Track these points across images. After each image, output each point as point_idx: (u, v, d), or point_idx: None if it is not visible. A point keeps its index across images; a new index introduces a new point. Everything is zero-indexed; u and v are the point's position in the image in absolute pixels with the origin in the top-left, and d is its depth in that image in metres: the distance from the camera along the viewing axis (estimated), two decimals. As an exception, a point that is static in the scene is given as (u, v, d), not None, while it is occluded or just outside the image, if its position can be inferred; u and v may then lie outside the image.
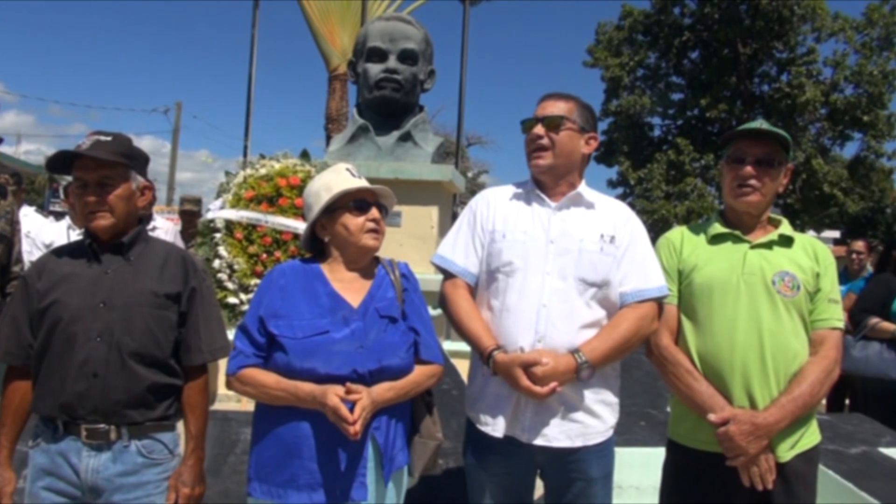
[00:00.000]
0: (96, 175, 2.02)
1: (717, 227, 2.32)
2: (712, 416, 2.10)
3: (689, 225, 2.47)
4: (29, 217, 5.17)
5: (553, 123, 2.24)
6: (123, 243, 2.09)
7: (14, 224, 3.98)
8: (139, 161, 2.15)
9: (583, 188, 2.30)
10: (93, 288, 2.02)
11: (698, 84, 22.90)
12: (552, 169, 2.26)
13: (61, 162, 2.05)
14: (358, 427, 1.82)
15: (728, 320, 2.18)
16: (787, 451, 2.14)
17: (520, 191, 2.33)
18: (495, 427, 2.15)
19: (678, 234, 2.42)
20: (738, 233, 2.29)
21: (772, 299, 2.17)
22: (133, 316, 2.01)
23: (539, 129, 2.24)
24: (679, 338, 2.29)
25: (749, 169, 2.23)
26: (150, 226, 5.30)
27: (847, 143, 22.34)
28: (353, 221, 2.06)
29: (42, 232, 5.02)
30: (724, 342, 2.17)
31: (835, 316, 2.23)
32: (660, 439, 2.65)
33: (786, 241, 2.28)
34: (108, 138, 2.06)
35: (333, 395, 1.85)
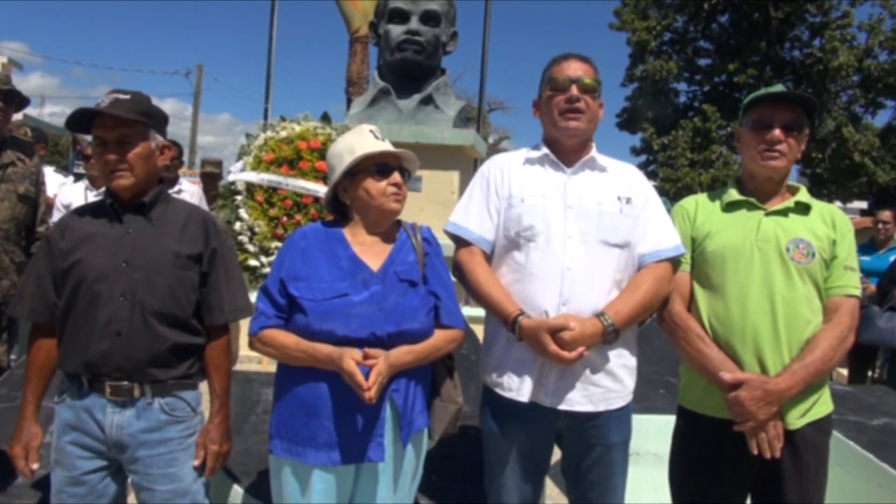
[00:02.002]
0: (115, 133, 2.02)
1: (733, 195, 2.30)
2: (726, 375, 2.09)
3: (706, 193, 2.44)
4: (48, 177, 5.22)
5: (590, 88, 2.21)
6: (144, 203, 2.10)
7: (39, 185, 4.03)
8: (158, 120, 2.14)
9: (595, 152, 2.28)
10: (115, 248, 2.04)
11: (727, 49, 22.32)
12: (584, 133, 2.24)
13: (81, 120, 2.05)
14: (373, 393, 1.83)
15: (740, 287, 2.16)
16: (798, 418, 2.13)
17: (532, 156, 2.30)
18: (520, 392, 2.15)
19: (692, 201, 2.40)
20: (753, 200, 2.26)
21: (785, 266, 2.15)
22: (155, 276, 2.03)
23: (576, 91, 2.20)
24: (691, 305, 2.28)
25: (778, 133, 2.18)
26: (176, 188, 5.33)
27: (879, 111, 21.76)
28: (375, 185, 2.05)
29: (61, 193, 5.08)
30: (735, 309, 2.16)
31: (850, 283, 2.20)
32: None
33: (803, 209, 2.25)
34: (127, 97, 2.05)
35: (350, 359, 1.86)
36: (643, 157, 23.36)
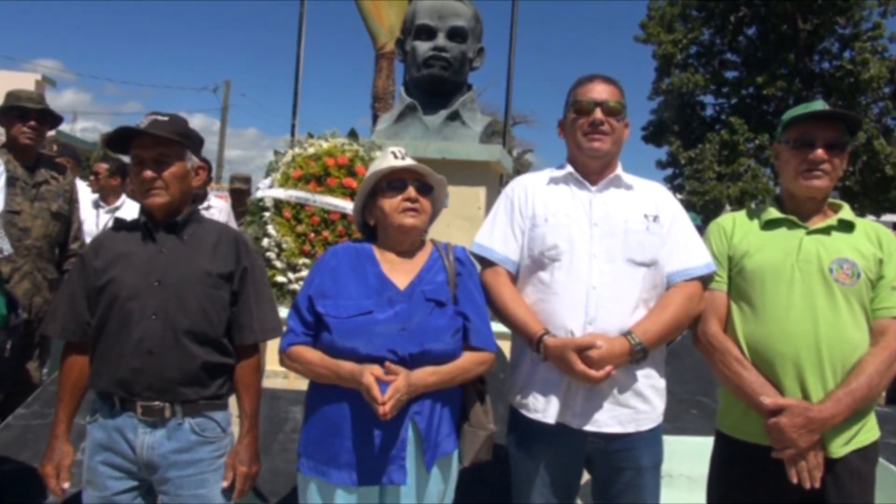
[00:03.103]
0: (153, 152, 2.06)
1: (772, 213, 2.24)
2: (766, 400, 2.04)
3: (743, 210, 2.40)
4: (81, 191, 5.32)
5: (614, 111, 2.20)
6: (177, 222, 2.12)
7: (73, 203, 4.09)
8: (194, 141, 2.17)
9: (620, 171, 2.27)
10: (148, 266, 2.06)
11: (754, 62, 22.10)
12: (607, 155, 2.23)
13: (119, 139, 2.09)
14: (387, 408, 1.82)
15: (781, 309, 2.10)
16: (842, 446, 2.06)
17: (556, 175, 2.30)
18: (546, 413, 2.11)
19: (730, 219, 2.35)
20: (793, 218, 2.20)
21: (828, 288, 2.08)
22: (187, 294, 2.04)
23: (600, 115, 2.19)
24: (728, 325, 2.22)
25: (821, 153, 2.13)
26: (205, 204, 5.39)
27: (912, 124, 21.36)
28: (388, 202, 2.07)
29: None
30: (775, 331, 2.10)
31: None
32: (711, 428, 2.58)
33: (846, 227, 2.18)
34: (166, 118, 2.10)
35: (369, 374, 1.85)
36: (669, 171, 23.18)
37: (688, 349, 4.00)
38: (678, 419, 3.42)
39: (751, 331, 2.15)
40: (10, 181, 3.52)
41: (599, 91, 2.21)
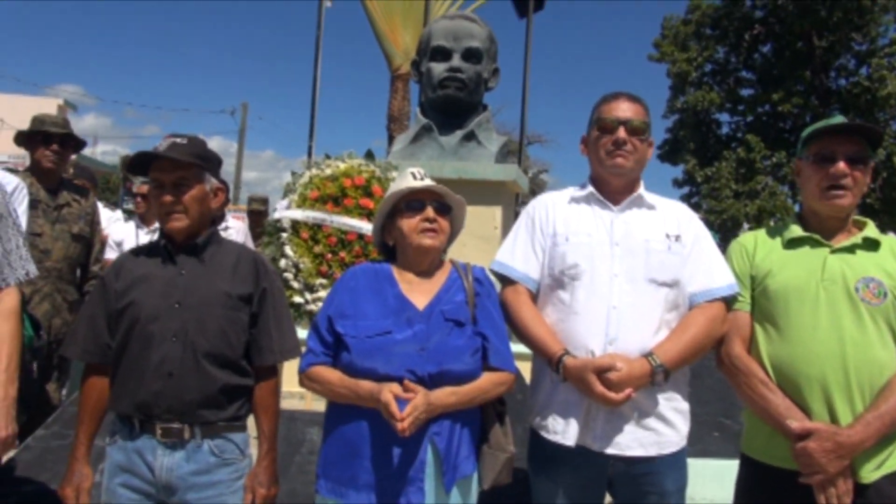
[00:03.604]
0: (172, 176, 2.07)
1: (795, 231, 2.21)
2: (794, 424, 1.99)
3: (764, 228, 2.37)
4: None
5: (638, 130, 2.20)
6: (197, 244, 2.13)
7: (94, 225, 4.14)
8: (213, 163, 2.19)
9: (642, 190, 2.25)
10: (168, 288, 2.06)
11: (770, 79, 22.06)
12: (629, 172, 2.21)
13: (139, 163, 2.11)
14: (406, 424, 1.80)
15: (806, 329, 2.06)
16: (872, 471, 2.00)
17: (578, 194, 2.29)
18: (566, 436, 2.08)
19: (751, 237, 2.32)
20: (817, 236, 2.17)
21: (855, 307, 2.04)
22: (206, 316, 2.04)
23: (623, 134, 2.18)
24: (751, 346, 2.19)
25: (842, 167, 2.09)
26: (223, 226, 5.43)
27: (931, 140, 21.12)
28: (407, 222, 2.08)
29: (113, 230, 5.23)
30: (801, 352, 2.05)
31: None
32: (734, 451, 2.54)
33: (871, 245, 2.14)
34: (184, 141, 2.11)
35: (388, 391, 1.85)
36: (686, 189, 23.12)
37: (708, 370, 3.95)
38: (700, 441, 3.36)
39: (776, 352, 2.11)
40: (33, 203, 3.57)
41: (624, 109, 2.20)
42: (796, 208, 2.35)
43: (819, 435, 1.96)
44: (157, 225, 5.26)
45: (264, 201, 7.65)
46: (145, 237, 5.16)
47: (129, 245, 4.80)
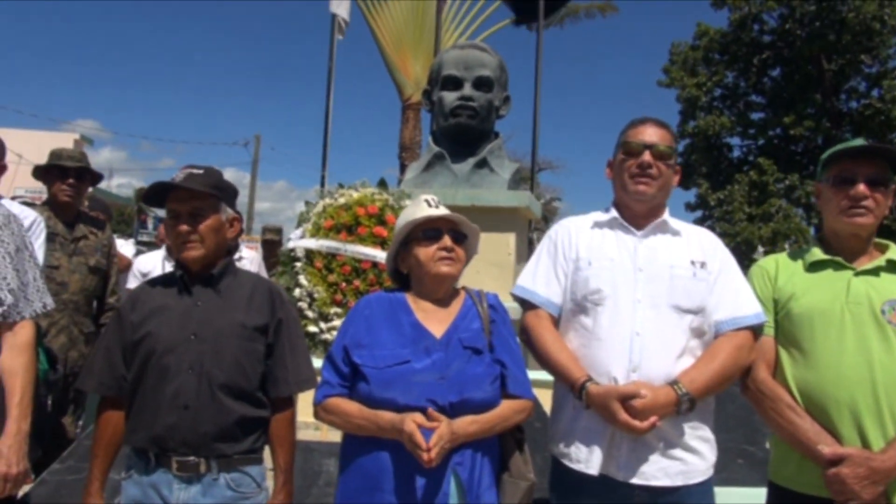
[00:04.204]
0: (188, 206, 2.08)
1: (817, 254, 2.18)
2: (826, 449, 1.95)
3: (785, 252, 2.35)
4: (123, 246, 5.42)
5: (664, 154, 2.18)
6: (213, 275, 2.12)
7: (110, 257, 4.17)
8: (229, 194, 2.20)
9: (667, 216, 2.23)
10: (184, 320, 2.06)
11: (780, 102, 22.12)
12: (653, 199, 2.19)
13: (156, 194, 2.12)
14: (433, 454, 1.78)
15: (833, 353, 2.03)
16: None
17: (601, 219, 2.27)
18: (589, 464, 2.04)
19: (772, 261, 2.29)
20: (839, 259, 2.14)
21: (882, 330, 2.01)
22: (222, 348, 2.03)
23: (648, 157, 2.16)
24: (776, 371, 2.15)
25: (863, 189, 2.08)
26: (237, 256, 5.45)
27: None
28: (424, 251, 2.06)
29: (139, 261, 5.25)
30: (829, 376, 2.01)
31: None
32: (760, 478, 2.48)
33: (895, 268, 2.11)
34: (200, 171, 2.12)
35: (411, 421, 1.82)
36: (699, 213, 23.04)
37: (730, 396, 3.88)
38: (724, 469, 3.28)
39: (802, 376, 2.08)
40: (50, 237, 3.60)
41: (650, 134, 2.19)
42: (812, 231, 2.32)
43: (852, 460, 1.92)
44: None
45: (278, 231, 7.70)
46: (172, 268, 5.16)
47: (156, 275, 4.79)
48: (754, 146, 23.53)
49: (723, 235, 19.82)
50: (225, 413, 2.00)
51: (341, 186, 4.93)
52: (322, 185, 7.80)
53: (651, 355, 2.02)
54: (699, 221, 22.30)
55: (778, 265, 2.25)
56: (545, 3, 7.92)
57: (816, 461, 1.98)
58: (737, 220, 20.26)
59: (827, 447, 1.95)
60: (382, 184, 4.91)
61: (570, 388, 2.05)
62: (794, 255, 2.27)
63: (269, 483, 2.13)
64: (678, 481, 2.01)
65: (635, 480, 2.01)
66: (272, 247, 7.16)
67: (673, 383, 1.98)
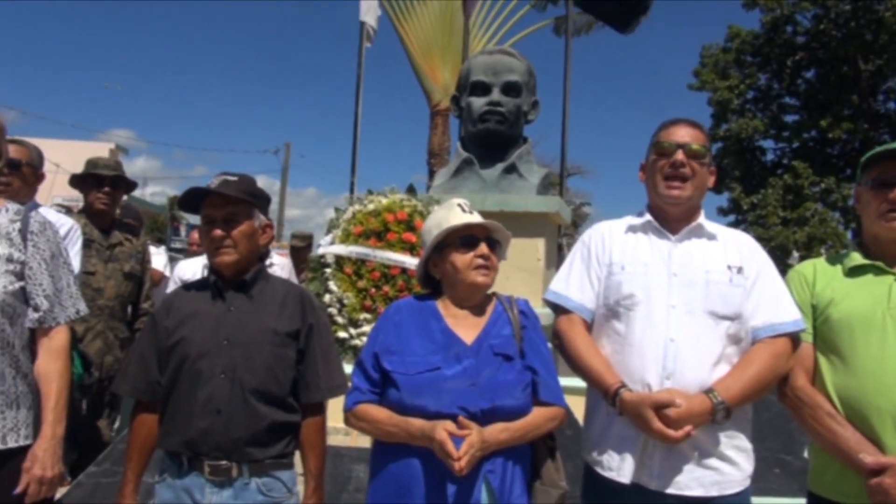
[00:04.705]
0: (223, 212, 2.10)
1: (856, 258, 2.13)
2: (868, 458, 1.89)
3: (823, 256, 2.29)
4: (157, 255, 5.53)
5: (697, 154, 2.14)
6: (246, 281, 2.14)
7: (144, 263, 4.24)
8: (262, 200, 2.22)
9: (703, 219, 2.18)
10: (217, 325, 2.08)
11: (815, 104, 21.70)
12: (689, 200, 2.15)
13: (191, 200, 2.15)
14: (463, 463, 1.76)
15: (875, 360, 1.97)
16: None
17: (635, 223, 2.23)
18: (621, 472, 2.01)
19: (810, 266, 2.24)
20: (880, 264, 2.09)
21: None
22: (254, 353, 2.05)
23: (681, 157, 2.13)
24: (816, 378, 2.10)
25: None
26: (268, 262, 5.51)
27: None
28: (461, 258, 2.03)
29: (179, 267, 5.36)
30: (870, 383, 1.96)
31: None
32: (798, 488, 2.42)
33: None
34: (235, 178, 2.15)
35: (442, 429, 1.80)
36: (731, 217, 22.68)
37: (766, 404, 3.81)
38: (761, 479, 3.21)
39: (842, 383, 2.02)
40: (86, 243, 3.67)
41: (682, 134, 2.16)
42: (848, 234, 2.26)
43: (895, 470, 1.86)
44: None
45: (306, 237, 7.76)
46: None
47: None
48: (788, 149, 23.12)
49: (757, 240, 19.48)
50: (257, 418, 2.02)
51: (370, 193, 4.96)
52: (351, 191, 7.86)
53: (686, 362, 1.98)
54: (732, 225, 21.78)
55: (816, 270, 2.20)
56: (627, 9, 7.86)
57: (857, 470, 1.92)
58: (771, 224, 19.91)
59: (869, 456, 1.90)
60: (411, 190, 4.93)
61: (604, 394, 2.02)
62: (832, 260, 2.22)
63: (300, 488, 2.14)
64: (713, 491, 1.97)
65: (669, 490, 1.97)
66: (299, 253, 7.21)
67: (708, 391, 1.94)
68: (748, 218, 21.16)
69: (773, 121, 22.68)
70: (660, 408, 1.90)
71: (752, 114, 22.49)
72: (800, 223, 19.65)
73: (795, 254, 18.37)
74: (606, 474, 2.04)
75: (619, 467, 2.02)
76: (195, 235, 5.52)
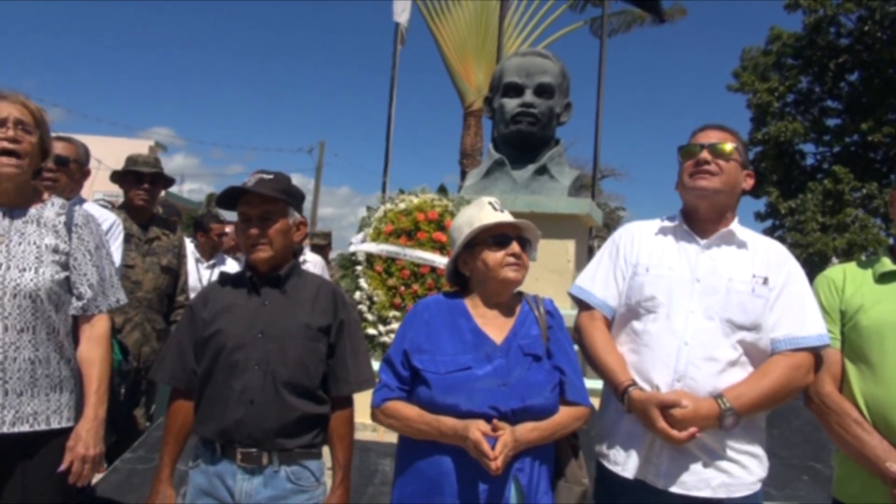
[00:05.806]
0: (259, 210, 2.16)
1: (887, 265, 2.11)
2: (894, 467, 1.87)
3: (852, 262, 2.26)
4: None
5: (721, 152, 2.14)
6: (280, 276, 2.20)
7: (181, 257, 4.35)
8: (296, 198, 2.27)
9: (735, 226, 2.17)
10: (252, 318, 2.14)
11: (858, 108, 21.13)
12: (716, 194, 2.14)
13: (228, 198, 2.22)
14: (499, 463, 1.78)
15: None
16: None
17: (667, 225, 2.24)
18: (625, 467, 2.04)
19: (839, 271, 2.21)
20: None
21: None
22: (287, 346, 2.10)
23: (706, 155, 2.14)
24: (843, 385, 2.08)
25: None
26: (301, 259, 5.61)
27: None
28: (492, 256, 2.05)
29: (230, 264, 5.64)
30: None
31: None
32: (825, 496, 2.40)
33: None
34: (270, 176, 2.20)
35: (476, 429, 1.82)
36: (769, 223, 22.23)
37: (795, 410, 3.76)
38: (788, 486, 3.18)
39: (870, 391, 2.00)
40: (126, 238, 3.78)
41: (708, 136, 2.18)
42: (891, 241, 2.23)
43: None
44: (214, 261, 5.61)
45: (326, 236, 8.05)
46: (204, 270, 5.49)
47: (192, 280, 5.08)
48: (829, 153, 22.55)
49: (794, 246, 19.07)
50: (288, 410, 2.07)
51: (402, 192, 5.01)
52: (384, 190, 7.93)
53: (697, 366, 1.99)
54: (769, 231, 21.50)
55: (845, 275, 2.18)
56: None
57: (884, 479, 1.90)
58: (809, 230, 19.44)
59: (895, 465, 1.88)
60: (442, 190, 4.97)
61: (614, 391, 2.06)
62: (862, 265, 2.20)
63: (327, 480, 2.19)
64: (720, 493, 1.98)
65: (675, 489, 1.98)
66: (320, 251, 7.38)
67: (717, 396, 1.95)
68: (786, 223, 20.69)
69: (814, 124, 22.15)
70: (666, 408, 1.92)
71: (791, 117, 22.01)
72: (839, 229, 19.16)
73: (835, 260, 17.93)
74: (612, 468, 2.08)
75: (625, 462, 2.05)
76: (217, 228, 5.72)
